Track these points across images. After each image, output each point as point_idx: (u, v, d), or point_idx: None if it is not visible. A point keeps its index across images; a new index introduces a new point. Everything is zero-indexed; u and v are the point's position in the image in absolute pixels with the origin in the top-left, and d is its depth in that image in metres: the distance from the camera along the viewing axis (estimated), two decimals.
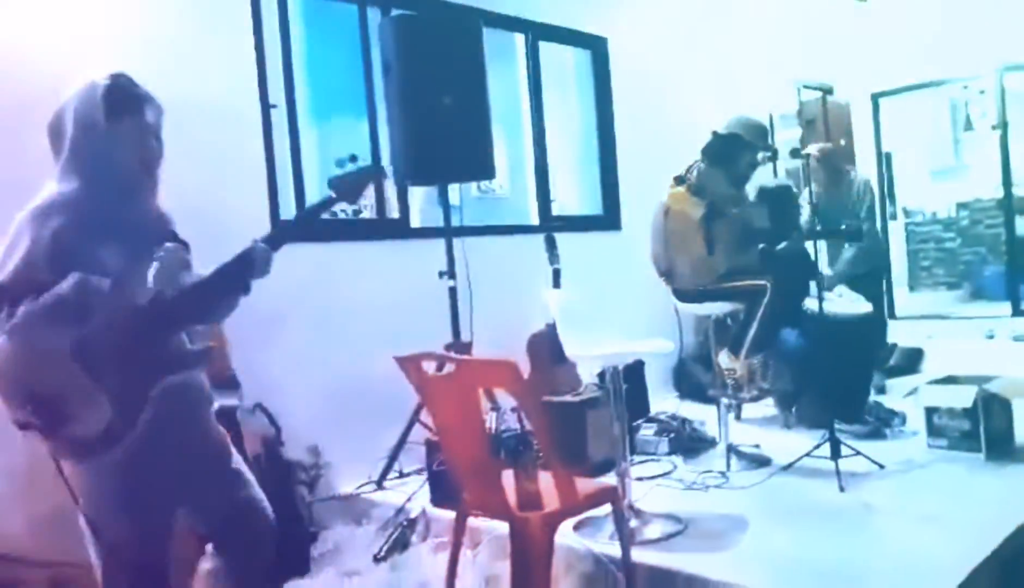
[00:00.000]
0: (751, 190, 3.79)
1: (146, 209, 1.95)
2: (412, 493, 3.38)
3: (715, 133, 3.70)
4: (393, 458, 3.64)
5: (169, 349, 1.89)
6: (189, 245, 2.01)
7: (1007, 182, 7.00)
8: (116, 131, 1.83)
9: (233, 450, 2.21)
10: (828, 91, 4.17)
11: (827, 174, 4.91)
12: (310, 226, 2.19)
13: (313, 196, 4.16)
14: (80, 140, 1.82)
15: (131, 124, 1.86)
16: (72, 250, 1.73)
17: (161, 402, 1.84)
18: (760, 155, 3.69)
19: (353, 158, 2.23)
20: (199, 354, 1.98)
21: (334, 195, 2.16)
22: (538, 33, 5.11)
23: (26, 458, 2.91)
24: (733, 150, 3.66)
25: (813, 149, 4.87)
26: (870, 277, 4.88)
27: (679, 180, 3.69)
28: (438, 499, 3.24)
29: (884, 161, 7.71)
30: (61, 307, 1.68)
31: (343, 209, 5.01)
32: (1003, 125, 6.90)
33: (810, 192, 3.83)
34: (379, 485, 3.60)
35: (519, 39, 5.14)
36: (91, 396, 1.72)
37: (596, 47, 5.46)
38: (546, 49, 5.22)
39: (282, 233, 2.10)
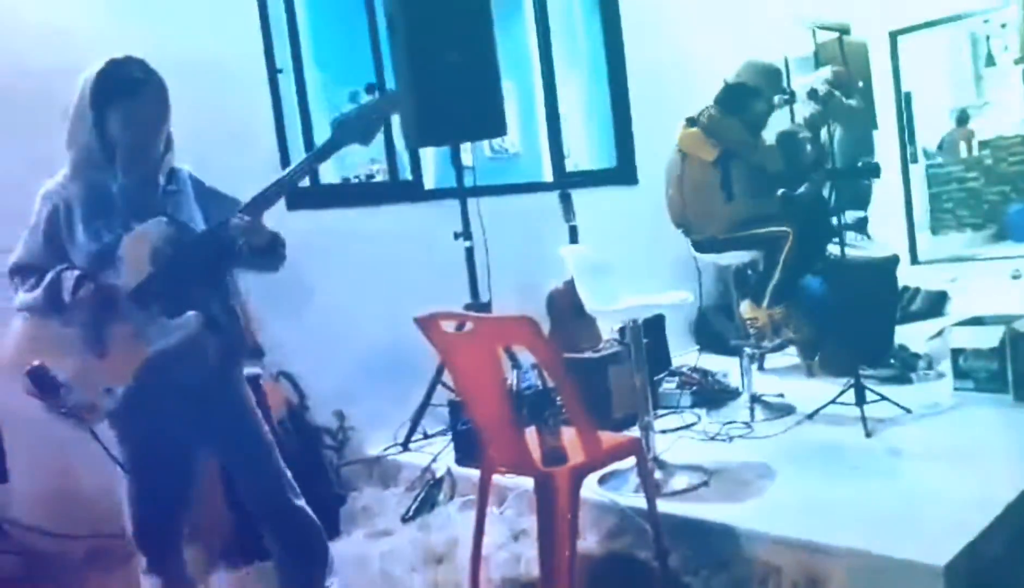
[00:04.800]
0: (770, 135, 3.71)
1: (135, 187, 2.00)
2: (437, 453, 3.41)
3: (726, 82, 3.62)
4: (417, 420, 3.67)
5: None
6: (175, 218, 2.03)
7: None
8: (101, 118, 1.93)
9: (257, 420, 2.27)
10: (845, 31, 4.04)
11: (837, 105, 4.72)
12: (304, 177, 2.14)
13: (325, 163, 4.14)
14: (72, 126, 1.95)
15: (118, 111, 1.93)
16: (62, 232, 1.96)
17: (149, 366, 1.97)
18: (776, 98, 3.60)
19: (371, 88, 2.17)
20: None
21: (337, 137, 2.07)
22: None
23: (61, 435, 2.97)
24: (745, 98, 3.58)
25: (826, 72, 4.55)
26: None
27: (691, 122, 3.62)
28: (463, 458, 3.26)
29: (904, 101, 7.55)
30: (41, 302, 1.94)
31: (356, 175, 5.00)
32: None
33: (828, 129, 3.71)
34: (405, 447, 3.63)
35: None
36: (87, 373, 1.94)
37: None
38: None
39: (263, 197, 2.02)
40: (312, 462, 3.25)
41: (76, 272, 1.93)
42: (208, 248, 2.02)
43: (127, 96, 1.92)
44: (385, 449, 3.64)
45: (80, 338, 1.95)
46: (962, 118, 9.23)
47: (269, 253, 2.12)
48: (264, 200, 2.02)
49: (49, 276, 1.94)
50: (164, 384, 2.00)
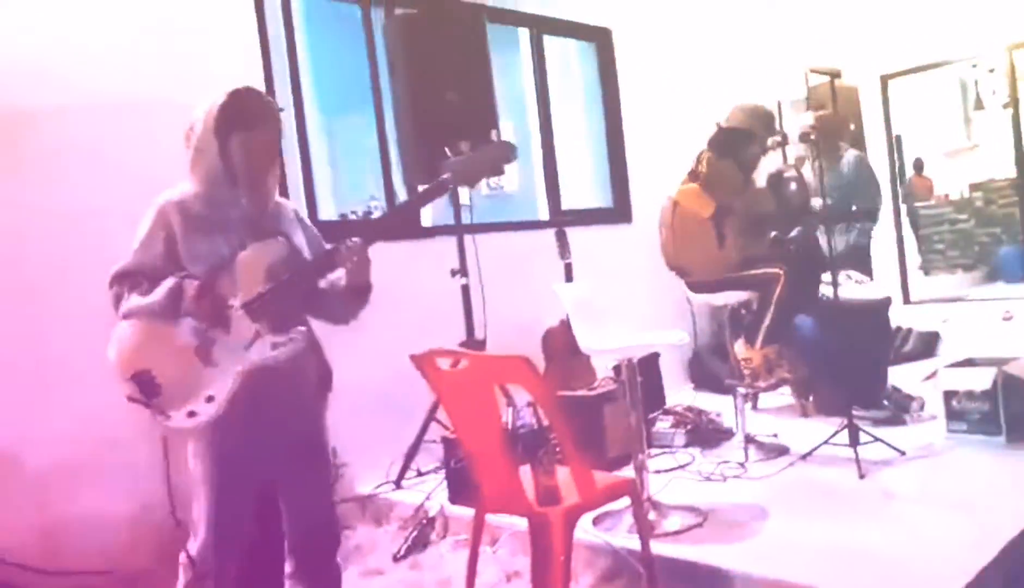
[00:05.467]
0: (762, 174, 3.76)
1: (253, 209, 2.12)
2: (430, 492, 3.39)
3: (719, 126, 3.68)
4: (410, 457, 3.65)
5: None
6: (290, 241, 2.15)
7: (1020, 161, 6.93)
8: (225, 146, 2.04)
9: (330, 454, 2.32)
10: (836, 75, 4.13)
11: (824, 149, 4.86)
12: (416, 213, 2.19)
13: (324, 197, 4.17)
14: (196, 152, 2.08)
15: (239, 140, 2.05)
16: (179, 243, 2.03)
17: (251, 379, 2.01)
18: (770, 141, 3.66)
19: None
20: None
21: (448, 178, 2.21)
22: (542, 27, 5.09)
23: (41, 467, 2.96)
24: (739, 141, 3.63)
25: (809, 117, 4.74)
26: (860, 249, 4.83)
27: (692, 176, 3.67)
28: (456, 497, 3.24)
29: (895, 144, 7.65)
30: (157, 308, 1.99)
31: (353, 211, 5.04)
32: (1014, 103, 6.83)
33: (820, 172, 3.78)
34: (397, 485, 3.60)
35: (523, 34, 5.12)
36: (192, 379, 1.99)
37: (600, 39, 5.44)
38: (551, 43, 5.20)
39: (378, 225, 2.14)
40: None
41: (196, 280, 1.99)
42: (319, 273, 2.14)
43: (248, 127, 2.05)
44: (378, 487, 3.61)
45: (190, 345, 2.01)
46: (918, 166, 9.37)
47: (360, 295, 2.19)
48: (378, 228, 2.18)
49: (171, 281, 1.99)
50: (266, 398, 2.04)
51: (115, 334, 2.04)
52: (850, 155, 4.83)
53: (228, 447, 2.06)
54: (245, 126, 2.04)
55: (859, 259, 4.32)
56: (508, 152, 2.34)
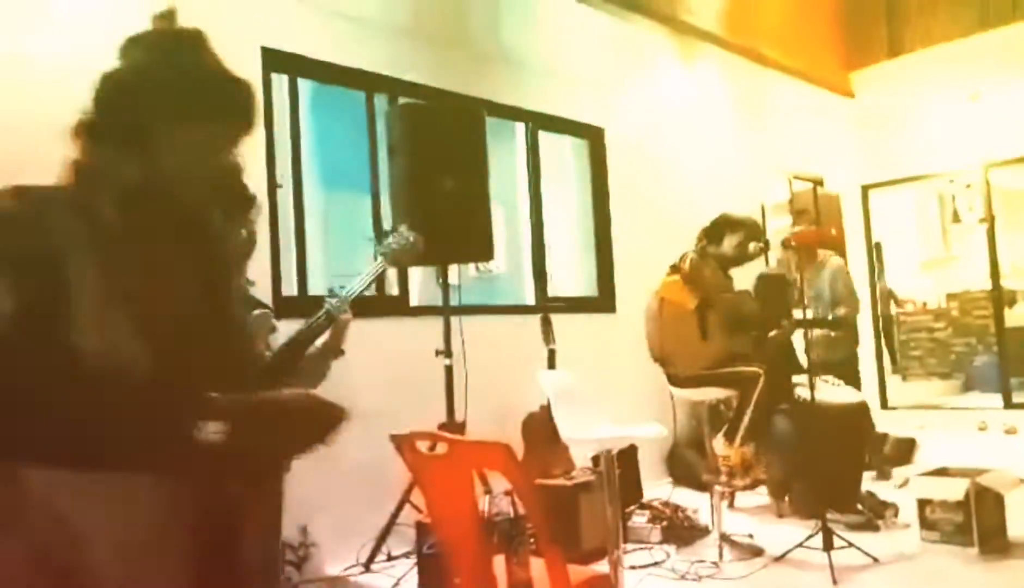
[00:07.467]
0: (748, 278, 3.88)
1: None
2: (400, 577, 3.33)
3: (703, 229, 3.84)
4: (382, 540, 3.59)
5: None
6: (273, 309, 2.14)
7: (995, 274, 7.14)
8: None
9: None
10: (819, 183, 4.30)
11: (802, 256, 5.07)
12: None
13: (315, 274, 4.23)
14: None
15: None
16: None
17: None
18: (752, 246, 3.77)
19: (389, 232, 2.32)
20: None
21: (386, 264, 2.33)
22: (538, 123, 5.28)
23: None
24: (719, 235, 3.77)
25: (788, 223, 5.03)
26: (847, 363, 4.95)
27: (674, 269, 3.78)
28: (427, 584, 3.18)
29: (875, 251, 7.87)
30: None
31: (341, 285, 5.07)
32: (989, 219, 7.08)
33: (801, 278, 3.91)
34: (367, 568, 3.54)
35: (519, 127, 5.30)
36: None
37: (593, 137, 5.64)
38: (545, 137, 5.38)
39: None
40: None
41: None
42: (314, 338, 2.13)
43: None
44: (346, 569, 3.54)
45: None
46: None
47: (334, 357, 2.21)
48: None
49: None
50: None
51: None
52: (833, 262, 4.98)
53: None
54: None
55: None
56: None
